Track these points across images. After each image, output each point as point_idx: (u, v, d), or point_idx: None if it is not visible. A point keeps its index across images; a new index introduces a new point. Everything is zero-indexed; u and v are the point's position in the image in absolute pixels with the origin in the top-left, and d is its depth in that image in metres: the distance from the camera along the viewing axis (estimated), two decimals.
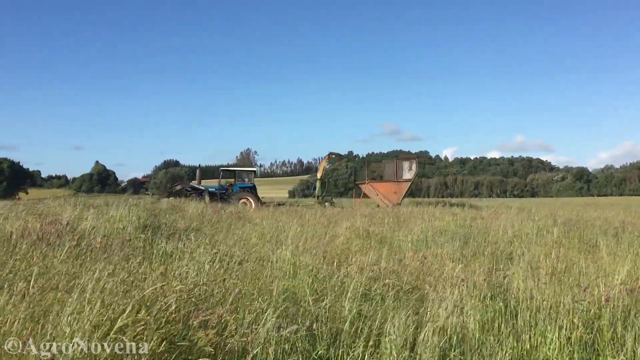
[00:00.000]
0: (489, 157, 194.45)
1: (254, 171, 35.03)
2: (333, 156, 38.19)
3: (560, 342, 4.78)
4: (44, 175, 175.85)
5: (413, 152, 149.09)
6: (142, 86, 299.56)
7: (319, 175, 37.84)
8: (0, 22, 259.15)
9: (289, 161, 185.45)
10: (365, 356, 4.56)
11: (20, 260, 6.78)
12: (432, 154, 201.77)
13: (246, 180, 32.92)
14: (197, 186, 31.55)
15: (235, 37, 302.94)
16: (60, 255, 7.26)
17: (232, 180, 33.73)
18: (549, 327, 4.96)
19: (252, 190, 31.57)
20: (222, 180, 33.92)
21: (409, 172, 34.98)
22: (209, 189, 31.30)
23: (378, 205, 31.94)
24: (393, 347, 4.55)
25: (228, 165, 48.11)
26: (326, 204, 32.70)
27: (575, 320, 5.10)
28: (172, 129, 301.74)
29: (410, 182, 35.03)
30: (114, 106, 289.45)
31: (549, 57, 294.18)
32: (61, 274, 6.09)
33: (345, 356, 4.60)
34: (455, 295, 5.76)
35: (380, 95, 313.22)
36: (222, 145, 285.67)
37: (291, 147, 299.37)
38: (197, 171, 34.33)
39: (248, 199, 30.36)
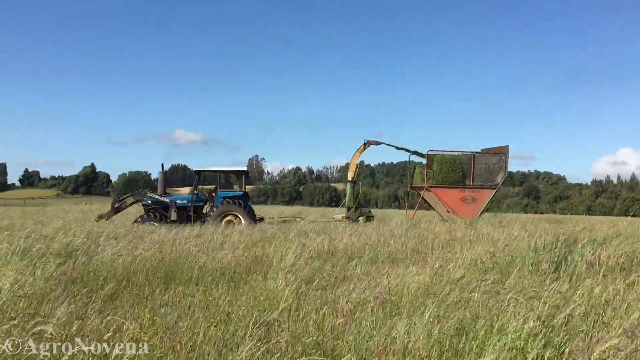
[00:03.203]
0: None
1: (245, 172, 22.85)
2: (370, 145, 25.59)
3: None
4: (45, 175, 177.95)
5: None
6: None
7: (349, 175, 25.65)
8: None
9: (298, 169, 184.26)
10: None
11: None
12: None
13: (235, 187, 23.18)
14: (158, 198, 21.39)
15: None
16: None
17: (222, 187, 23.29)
18: None
19: (242, 200, 21.19)
20: (202, 186, 24.32)
21: (499, 173, 24.88)
22: (177, 201, 21.31)
23: (444, 219, 22.80)
24: None
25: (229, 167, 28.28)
26: (360, 218, 23.26)
27: None
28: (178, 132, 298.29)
29: (496, 189, 25.09)
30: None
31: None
32: None
33: None
34: None
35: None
36: (231, 153, 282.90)
37: (302, 154, 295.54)
38: (160, 175, 23.12)
39: (235, 215, 20.71)
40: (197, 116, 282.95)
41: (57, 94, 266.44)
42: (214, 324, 5.49)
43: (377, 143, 25.84)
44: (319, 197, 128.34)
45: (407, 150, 25.58)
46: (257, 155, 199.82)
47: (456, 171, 24.56)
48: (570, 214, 53.84)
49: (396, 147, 25.78)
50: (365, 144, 25.26)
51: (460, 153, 25.12)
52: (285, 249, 10.43)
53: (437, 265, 9.07)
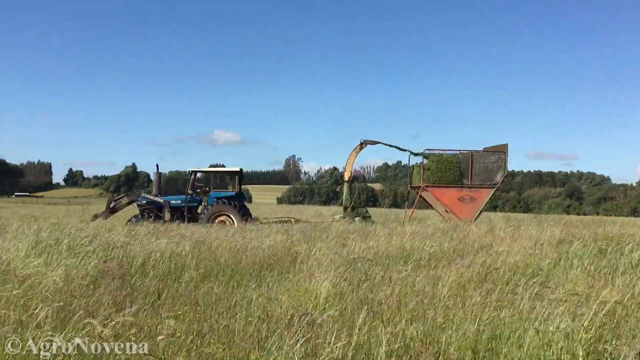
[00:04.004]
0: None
1: (238, 172, 23.00)
2: (366, 145, 25.45)
3: None
4: (88, 175, 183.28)
5: None
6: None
7: (346, 175, 26.13)
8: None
9: (335, 169, 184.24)
10: None
11: None
12: None
13: (230, 188, 23.53)
14: (152, 198, 21.74)
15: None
16: None
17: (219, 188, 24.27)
18: None
19: (235, 201, 21.40)
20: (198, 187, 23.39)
21: (498, 172, 24.36)
22: (171, 202, 21.54)
23: (444, 220, 22.63)
24: None
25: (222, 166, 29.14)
26: (356, 218, 22.90)
27: None
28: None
29: (495, 189, 24.59)
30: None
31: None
32: None
33: None
34: None
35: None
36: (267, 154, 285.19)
37: (339, 154, 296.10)
38: (154, 176, 23.76)
39: (227, 216, 20.90)
40: (235, 116, 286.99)
41: (101, 96, 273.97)
42: (254, 321, 5.55)
43: (374, 142, 25.48)
44: (356, 197, 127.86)
45: (400, 149, 25.22)
46: (294, 155, 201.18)
47: (453, 170, 24.17)
48: (615, 215, 52.42)
49: (396, 148, 25.25)
50: (361, 143, 25.06)
51: (457, 152, 24.79)
52: (323, 249, 10.46)
53: (479, 265, 8.93)
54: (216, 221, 20.52)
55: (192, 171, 22.46)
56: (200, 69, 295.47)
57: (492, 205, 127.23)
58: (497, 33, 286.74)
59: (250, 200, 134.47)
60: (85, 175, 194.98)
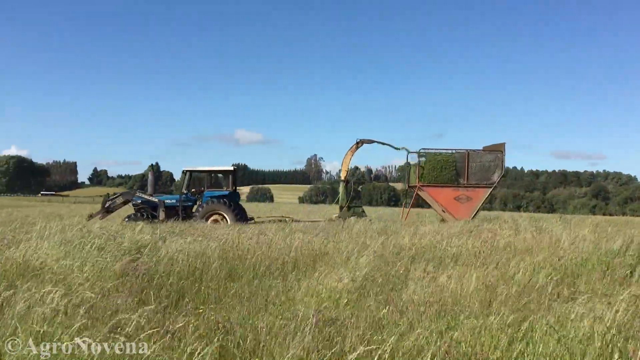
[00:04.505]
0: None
1: (232, 171, 23.19)
2: (362, 144, 25.18)
3: None
4: (112, 174, 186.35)
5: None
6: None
7: (342, 175, 25.94)
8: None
9: (357, 168, 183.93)
10: None
11: None
12: None
13: (225, 187, 23.57)
14: (147, 198, 21.86)
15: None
16: None
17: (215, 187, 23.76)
18: None
19: (229, 200, 21.36)
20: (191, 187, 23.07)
21: (495, 172, 23.99)
22: (166, 201, 21.63)
23: (442, 220, 23.11)
24: None
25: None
26: (352, 218, 22.26)
27: None
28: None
29: (492, 188, 24.29)
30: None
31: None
32: None
33: None
34: None
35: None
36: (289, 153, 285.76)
37: (360, 153, 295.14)
38: (149, 176, 24.23)
39: (220, 214, 20.97)
40: (257, 116, 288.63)
41: (125, 96, 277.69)
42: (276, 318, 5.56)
43: (370, 142, 25.20)
44: (378, 196, 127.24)
45: (395, 147, 24.90)
46: (315, 155, 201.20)
47: (449, 169, 23.87)
48: None
49: (391, 147, 24.97)
50: (357, 143, 24.87)
51: (454, 151, 24.41)
52: (346, 247, 10.44)
53: (500, 266, 8.84)
54: (210, 220, 20.60)
55: (186, 171, 22.48)
56: (223, 69, 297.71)
57: (516, 205, 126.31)
58: (520, 30, 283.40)
59: (271, 200, 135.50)
60: (110, 174, 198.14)
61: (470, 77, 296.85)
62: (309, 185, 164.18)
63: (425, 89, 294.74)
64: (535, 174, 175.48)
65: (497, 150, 24.24)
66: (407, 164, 25.34)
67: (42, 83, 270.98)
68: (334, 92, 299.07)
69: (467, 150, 24.28)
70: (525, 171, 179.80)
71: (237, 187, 23.26)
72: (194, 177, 22.92)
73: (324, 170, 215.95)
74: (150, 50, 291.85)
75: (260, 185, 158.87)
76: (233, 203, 21.38)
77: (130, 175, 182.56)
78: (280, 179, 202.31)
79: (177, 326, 5.10)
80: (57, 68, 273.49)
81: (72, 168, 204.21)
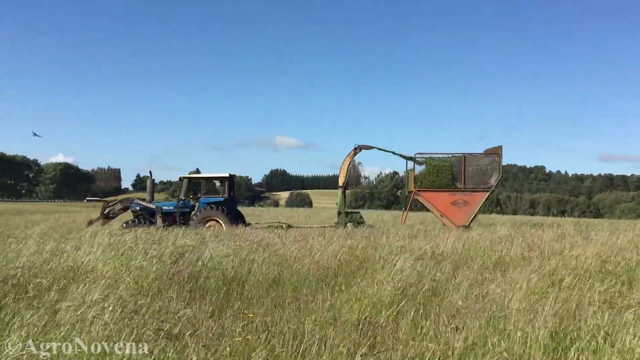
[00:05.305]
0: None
1: (228, 178, 23.33)
2: (360, 150, 25.45)
3: None
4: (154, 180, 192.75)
5: None
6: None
7: (340, 181, 26.34)
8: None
9: (396, 174, 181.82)
10: None
11: None
12: None
13: (221, 194, 23.58)
14: (145, 204, 22.39)
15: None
16: None
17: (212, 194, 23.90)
18: None
19: (224, 206, 21.76)
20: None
21: (493, 175, 23.74)
22: (164, 207, 22.20)
23: (443, 224, 23.12)
24: None
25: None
26: (348, 224, 22.29)
27: None
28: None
29: (490, 192, 23.97)
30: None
31: None
32: None
33: None
34: None
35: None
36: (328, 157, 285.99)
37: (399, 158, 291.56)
38: (148, 182, 24.12)
39: (216, 221, 21.25)
40: (296, 122, 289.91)
41: (167, 103, 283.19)
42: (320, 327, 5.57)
43: (369, 147, 25.29)
44: (415, 202, 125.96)
45: (393, 153, 24.99)
46: (354, 159, 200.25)
47: (445, 174, 23.62)
48: None
49: (388, 152, 25.02)
50: (355, 149, 25.01)
51: (450, 155, 24.14)
52: (387, 253, 10.40)
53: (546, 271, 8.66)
54: (206, 226, 20.72)
55: (183, 178, 23.08)
56: (265, 76, 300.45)
57: (560, 210, 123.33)
58: (565, 32, 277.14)
59: (310, 205, 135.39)
60: None
61: (511, 79, 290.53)
62: (347, 190, 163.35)
63: (468, 92, 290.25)
64: (580, 178, 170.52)
65: (495, 153, 23.96)
66: (409, 169, 25.09)
67: (88, 93, 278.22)
68: (371, 96, 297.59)
69: (463, 154, 24.00)
70: (570, 175, 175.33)
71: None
72: (192, 184, 23.37)
73: (363, 175, 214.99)
74: (184, 56, 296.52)
75: (299, 191, 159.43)
76: (228, 209, 21.75)
77: (172, 181, 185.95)
78: (319, 184, 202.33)
79: (225, 329, 5.18)
80: (99, 79, 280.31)
81: (116, 174, 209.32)
